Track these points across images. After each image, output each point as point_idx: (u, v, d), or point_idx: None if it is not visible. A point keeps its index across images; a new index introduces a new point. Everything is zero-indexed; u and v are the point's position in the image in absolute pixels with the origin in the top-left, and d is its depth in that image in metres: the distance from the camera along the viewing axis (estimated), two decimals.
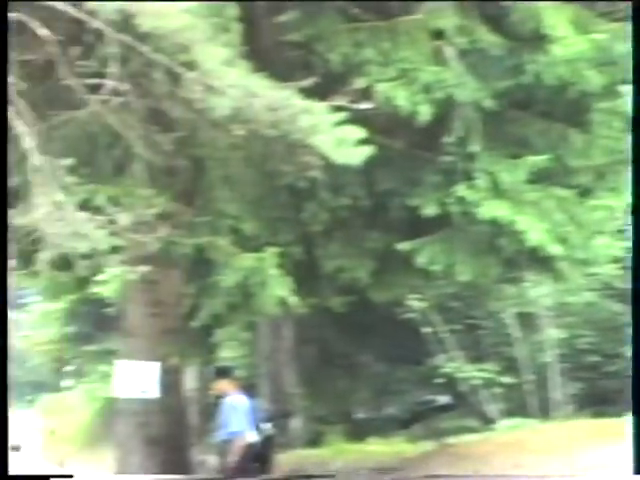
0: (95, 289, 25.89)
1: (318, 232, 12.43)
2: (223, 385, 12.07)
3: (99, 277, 22.80)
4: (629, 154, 9.24)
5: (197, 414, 24.71)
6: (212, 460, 21.23)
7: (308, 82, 10.15)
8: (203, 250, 12.47)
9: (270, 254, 11.99)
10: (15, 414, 49.14)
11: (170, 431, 13.35)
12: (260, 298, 12.22)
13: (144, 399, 13.68)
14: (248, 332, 25.04)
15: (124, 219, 10.29)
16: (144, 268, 11.17)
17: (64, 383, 45.14)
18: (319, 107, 9.83)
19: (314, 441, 20.49)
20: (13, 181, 10.93)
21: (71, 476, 9.22)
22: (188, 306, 13.63)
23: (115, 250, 10.57)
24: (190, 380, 23.18)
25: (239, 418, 11.52)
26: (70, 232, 9.56)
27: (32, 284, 29.32)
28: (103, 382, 32.46)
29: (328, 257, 12.97)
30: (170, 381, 14.01)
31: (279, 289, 11.87)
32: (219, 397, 12.21)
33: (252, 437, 11.56)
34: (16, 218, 9.74)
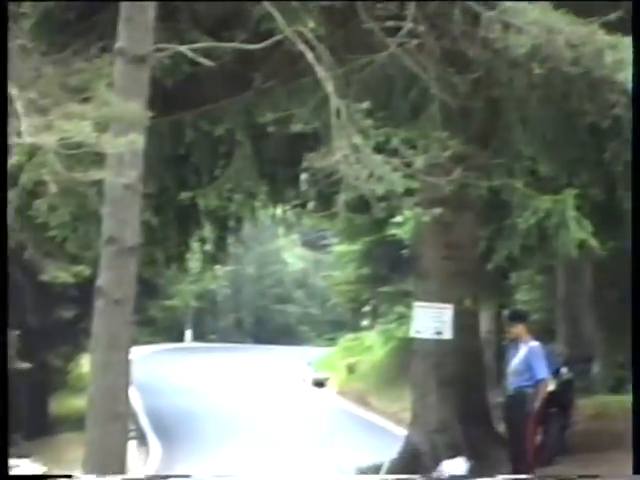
0: (390, 231, 26.29)
1: (620, 172, 11.98)
2: (518, 330, 11.95)
3: (394, 219, 23.14)
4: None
5: (493, 357, 24.69)
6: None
7: (613, 16, 9.80)
8: (498, 192, 12.33)
9: (569, 195, 11.71)
10: (318, 352, 50.75)
11: (465, 373, 13.35)
12: (558, 240, 11.97)
13: (439, 340, 13.74)
14: (544, 275, 24.68)
15: (419, 161, 10.32)
16: (438, 210, 11.18)
17: (361, 323, 46.27)
18: (625, 42, 9.48)
19: (615, 387, 19.98)
20: (312, 126, 11.21)
21: (70, 476, 9.40)
22: (483, 249, 13.55)
23: (410, 192, 10.63)
24: (485, 322, 23.18)
25: (540, 365, 11.38)
26: (367, 174, 9.68)
27: (331, 226, 30.17)
28: (399, 323, 33.02)
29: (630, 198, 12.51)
30: (465, 323, 14.01)
31: (578, 231, 11.59)
32: (513, 341, 12.10)
33: (551, 383, 11.41)
34: (316, 161, 9.97)
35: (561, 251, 12.48)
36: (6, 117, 7.88)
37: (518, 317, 12.35)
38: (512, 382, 11.83)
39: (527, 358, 11.68)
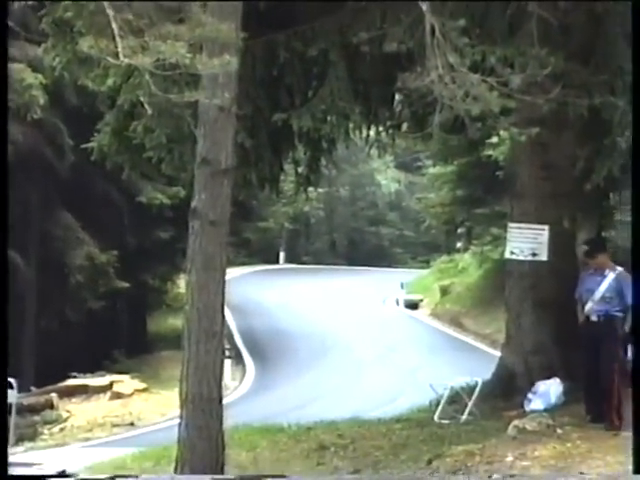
0: (486, 152, 26.01)
1: None
2: (602, 260, 11.71)
3: (490, 140, 22.87)
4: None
5: None
6: None
7: None
8: (599, 110, 12.07)
9: None
10: (412, 273, 50.67)
11: (561, 295, 13.18)
12: None
13: (534, 262, 13.61)
14: None
15: (516, 80, 10.13)
16: (536, 130, 10.99)
17: (456, 245, 46.12)
18: None
19: None
20: (406, 45, 11.05)
21: (69, 476, 9.38)
22: (581, 169, 13.32)
23: (506, 112, 10.46)
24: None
25: (629, 291, 11.17)
26: (462, 94, 9.54)
27: (425, 147, 29.97)
28: (494, 244, 32.82)
29: None
30: (562, 245, 13.84)
31: None
32: (597, 270, 11.81)
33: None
34: (410, 81, 9.84)
35: None
36: (6, 117, 7.91)
37: (599, 247, 12.06)
38: (598, 310, 11.65)
39: (616, 285, 11.48)
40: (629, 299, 11.24)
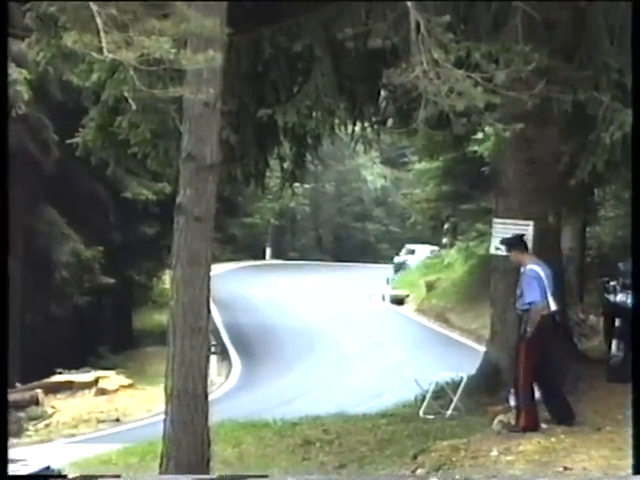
0: (471, 148, 26.04)
1: None
2: (516, 256, 11.59)
3: (475, 136, 22.89)
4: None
5: (574, 274, 24.51)
6: (592, 319, 21.09)
7: None
8: (583, 106, 12.09)
9: None
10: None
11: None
12: None
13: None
14: (629, 190, 24.29)
15: (501, 76, 10.14)
16: (520, 126, 11.01)
17: (441, 240, 46.20)
18: None
19: None
20: (391, 41, 11.04)
21: (71, 478, 9.41)
22: (565, 165, 13.35)
23: (491, 108, 10.48)
24: (567, 239, 22.95)
25: (528, 288, 11.09)
26: (447, 90, 9.55)
27: (410, 143, 29.95)
28: (479, 240, 32.90)
29: None
30: (546, 240, 13.88)
31: None
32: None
33: (551, 307, 11.11)
34: (395, 77, 9.85)
35: None
36: (7, 116, 7.90)
37: (512, 244, 11.92)
38: (517, 307, 11.56)
39: (521, 281, 11.38)
40: (527, 297, 11.10)
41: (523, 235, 12.07)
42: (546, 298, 11.13)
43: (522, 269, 11.39)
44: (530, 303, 11.10)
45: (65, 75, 13.73)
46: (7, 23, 8.97)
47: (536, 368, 11.11)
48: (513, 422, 11.10)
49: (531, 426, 10.86)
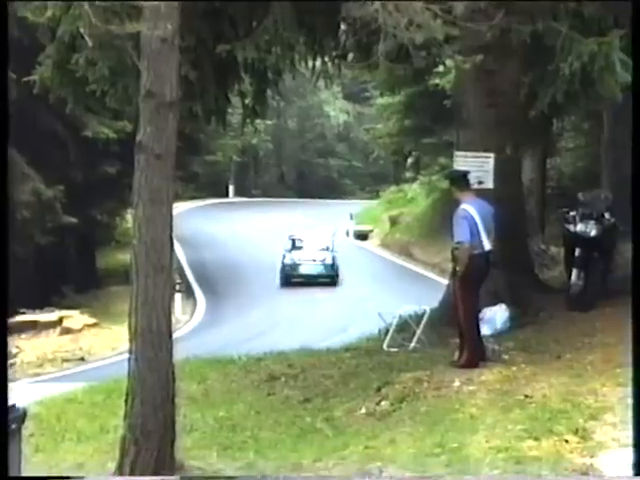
0: (433, 81, 25.99)
1: None
2: (456, 192, 11.43)
3: (436, 69, 22.83)
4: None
5: (535, 205, 24.66)
6: (553, 250, 21.26)
7: None
8: (542, 36, 12.08)
9: (615, 37, 11.45)
10: (361, 204, 50.94)
11: (507, 221, 13.30)
12: (603, 84, 11.76)
13: (480, 190, 13.66)
14: (590, 121, 24.38)
15: (460, 7, 10.11)
16: (480, 57, 10.99)
17: (404, 175, 46.24)
18: None
19: None
20: None
21: (68, 477, 9.43)
22: (525, 95, 13.36)
23: (451, 40, 10.44)
24: (528, 170, 23.04)
25: (456, 228, 11.01)
26: (406, 22, 9.49)
27: (372, 77, 29.82)
28: (442, 174, 32.97)
29: None
30: (507, 171, 13.94)
31: (624, 74, 11.37)
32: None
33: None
34: (354, 10, 9.79)
35: (606, 95, 12.29)
36: (7, 115, 7.78)
37: (450, 179, 11.71)
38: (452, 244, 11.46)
39: (454, 221, 11.11)
40: (456, 237, 10.95)
41: (467, 172, 11.86)
42: (479, 238, 10.98)
43: (457, 208, 11.21)
44: (458, 242, 10.98)
45: (19, 11, 13.51)
46: (7, 23, 8.81)
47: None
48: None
49: (470, 363, 10.85)
